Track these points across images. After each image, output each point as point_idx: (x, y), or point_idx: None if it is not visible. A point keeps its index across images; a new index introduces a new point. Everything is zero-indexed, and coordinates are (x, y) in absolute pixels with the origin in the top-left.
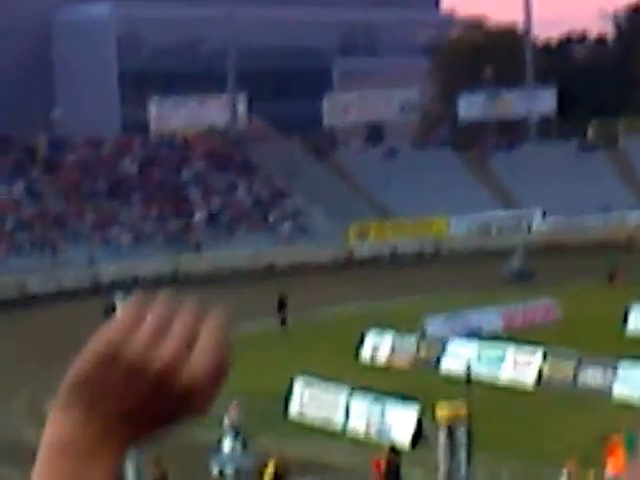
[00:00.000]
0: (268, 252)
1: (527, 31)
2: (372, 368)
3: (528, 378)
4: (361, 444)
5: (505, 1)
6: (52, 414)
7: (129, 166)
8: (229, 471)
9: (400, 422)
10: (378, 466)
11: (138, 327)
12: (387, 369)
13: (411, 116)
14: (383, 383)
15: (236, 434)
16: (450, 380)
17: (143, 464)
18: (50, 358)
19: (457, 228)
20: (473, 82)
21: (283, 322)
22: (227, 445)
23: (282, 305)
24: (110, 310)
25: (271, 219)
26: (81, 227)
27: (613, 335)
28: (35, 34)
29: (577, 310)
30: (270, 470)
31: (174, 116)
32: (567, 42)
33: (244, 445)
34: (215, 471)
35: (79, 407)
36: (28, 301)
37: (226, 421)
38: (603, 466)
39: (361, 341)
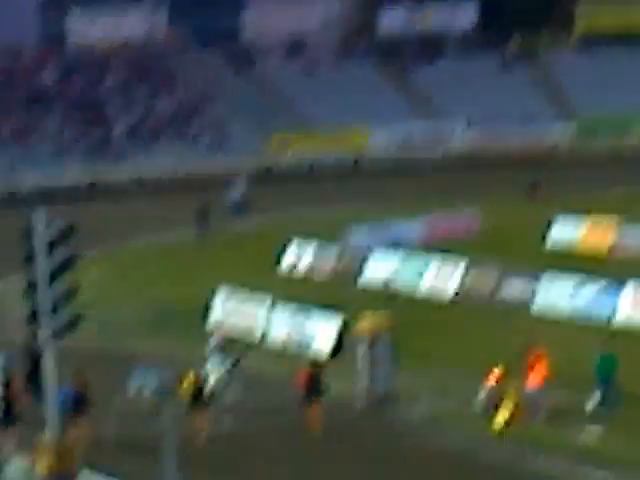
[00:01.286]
0: (188, 163)
1: None
2: (293, 278)
3: (449, 290)
4: (282, 355)
5: None
6: None
7: (48, 77)
8: (148, 387)
9: (321, 333)
10: (300, 377)
11: None
12: (308, 279)
13: (332, 29)
14: (304, 293)
15: (224, 357)
16: (371, 291)
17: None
18: None
19: (379, 140)
20: None
21: (203, 233)
22: (213, 367)
23: (204, 216)
24: (29, 229)
25: (191, 130)
26: (0, 137)
27: (534, 248)
28: None
29: (499, 222)
30: (189, 383)
31: (93, 28)
32: None
33: (234, 365)
34: (134, 389)
35: None
36: None
37: (212, 343)
38: (524, 379)
39: (282, 251)
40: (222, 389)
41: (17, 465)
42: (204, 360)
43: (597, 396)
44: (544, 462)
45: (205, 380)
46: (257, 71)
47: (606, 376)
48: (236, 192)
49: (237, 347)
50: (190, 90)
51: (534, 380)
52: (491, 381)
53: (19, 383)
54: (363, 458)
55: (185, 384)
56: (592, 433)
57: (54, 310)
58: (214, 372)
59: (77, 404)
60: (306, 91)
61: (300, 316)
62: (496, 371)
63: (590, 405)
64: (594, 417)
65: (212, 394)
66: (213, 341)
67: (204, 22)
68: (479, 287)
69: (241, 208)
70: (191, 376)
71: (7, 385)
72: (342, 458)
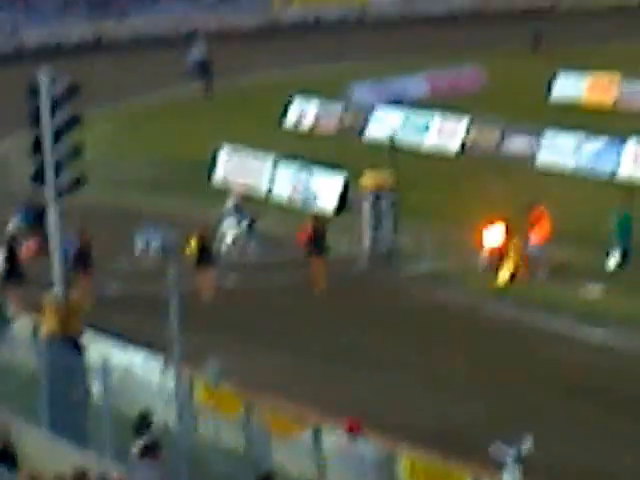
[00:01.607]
0: (191, 18)
1: None
2: (297, 134)
3: (453, 145)
4: (286, 211)
5: None
6: None
7: None
8: (154, 244)
9: (326, 189)
10: (303, 233)
11: None
12: (312, 135)
13: None
14: (308, 149)
15: (240, 216)
16: (375, 147)
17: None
18: None
19: None
20: None
21: (208, 88)
22: (229, 227)
23: (206, 71)
24: (34, 86)
25: None
26: None
27: (537, 103)
28: None
29: (502, 77)
30: (195, 240)
31: None
32: None
33: (250, 227)
34: (140, 246)
35: None
36: None
37: (228, 205)
38: (526, 235)
39: (286, 107)
40: (240, 248)
41: (23, 324)
42: (214, 219)
43: (617, 254)
44: (545, 318)
45: (220, 239)
46: None
47: (625, 234)
48: (196, 53)
49: (252, 207)
50: None
51: (536, 237)
52: (493, 237)
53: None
54: (365, 313)
55: (191, 241)
56: (594, 291)
57: (59, 168)
58: (230, 232)
59: (81, 262)
60: None
61: (304, 173)
62: (498, 227)
63: (611, 263)
64: (599, 275)
65: (218, 252)
66: (230, 202)
67: None
68: (482, 143)
69: (202, 69)
70: (197, 233)
71: (11, 245)
72: (345, 313)
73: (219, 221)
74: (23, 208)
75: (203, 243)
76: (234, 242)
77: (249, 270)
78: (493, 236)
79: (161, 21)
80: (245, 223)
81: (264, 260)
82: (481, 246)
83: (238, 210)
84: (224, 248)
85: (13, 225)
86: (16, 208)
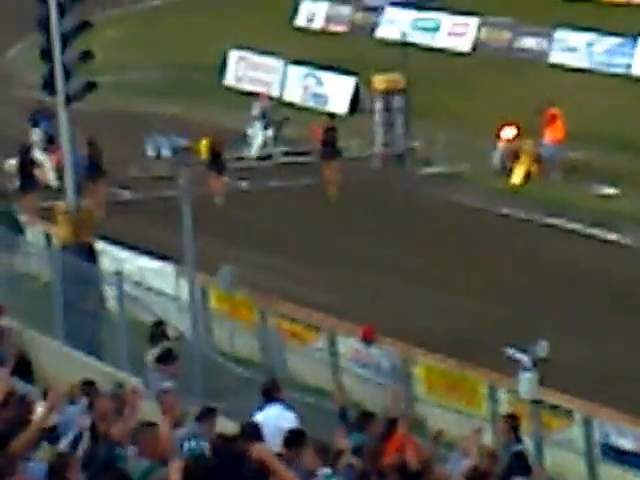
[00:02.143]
0: None
1: None
2: (307, 34)
3: (464, 44)
4: (298, 111)
5: None
6: None
7: None
8: (165, 150)
9: (337, 90)
10: (315, 133)
11: None
12: (322, 35)
13: None
14: (319, 51)
15: (266, 124)
16: (386, 46)
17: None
18: None
19: None
20: None
21: None
22: (255, 134)
23: None
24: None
25: None
26: None
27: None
28: None
29: None
30: (206, 145)
31: None
32: None
33: (277, 131)
34: (151, 152)
35: None
36: None
37: (254, 111)
38: (539, 136)
39: (296, 8)
40: (269, 151)
41: (36, 232)
42: (227, 122)
43: None
44: (558, 219)
45: (248, 144)
46: None
47: None
48: None
49: (278, 113)
50: None
51: (550, 138)
52: (507, 137)
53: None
54: (379, 215)
55: (202, 146)
56: (608, 193)
57: (68, 74)
58: (257, 137)
59: (91, 170)
60: None
61: (315, 74)
62: (512, 127)
63: None
64: (613, 175)
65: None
66: (256, 107)
67: None
68: (494, 41)
69: None
70: (208, 137)
71: (23, 154)
72: (358, 216)
73: (246, 126)
74: (43, 117)
75: (214, 147)
76: (262, 147)
77: (260, 173)
78: (506, 136)
79: None
80: (272, 128)
81: (276, 162)
82: (494, 146)
83: (263, 116)
84: (253, 153)
85: (37, 135)
86: (34, 117)
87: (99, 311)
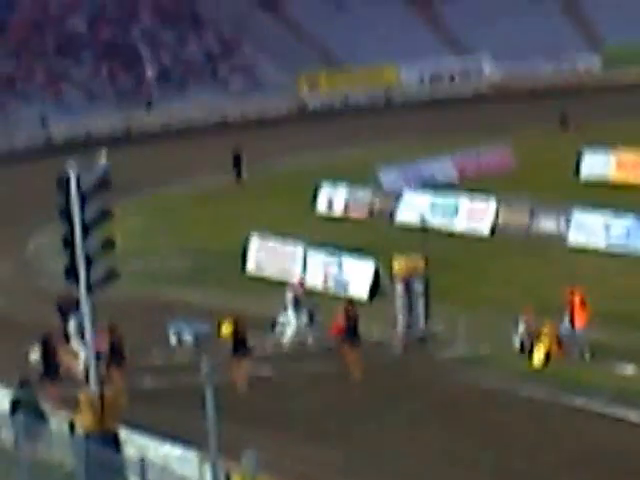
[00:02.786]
0: (220, 106)
1: None
2: (328, 221)
3: (483, 227)
4: (319, 298)
5: None
6: None
7: (78, 23)
8: (187, 337)
9: (357, 275)
10: (337, 321)
11: None
12: (343, 221)
13: None
14: (339, 236)
15: (297, 308)
16: (406, 231)
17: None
18: (4, 218)
19: (408, 76)
20: None
21: (239, 176)
22: (289, 318)
23: (237, 160)
24: (63, 180)
25: (222, 72)
26: (32, 85)
27: (566, 181)
28: None
29: (530, 156)
30: (228, 329)
31: None
32: None
33: (310, 319)
34: (173, 340)
35: None
36: None
37: (289, 295)
38: (560, 314)
39: (315, 194)
40: (302, 338)
41: (59, 420)
42: (248, 309)
43: None
44: (580, 400)
45: (280, 332)
46: (285, 9)
47: None
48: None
49: (310, 300)
50: (218, 32)
51: (576, 322)
52: (527, 319)
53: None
54: (401, 400)
55: (224, 330)
56: (629, 372)
57: (90, 262)
58: (290, 324)
59: (113, 358)
60: (333, 28)
61: (336, 259)
62: (531, 309)
63: None
64: (634, 354)
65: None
66: (289, 293)
67: None
68: (512, 223)
69: (234, 158)
70: (230, 320)
71: (46, 342)
72: (380, 401)
73: (279, 313)
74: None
75: (237, 331)
76: (295, 334)
77: (283, 359)
78: (526, 317)
79: (189, 109)
80: (305, 316)
81: (298, 349)
82: (515, 328)
83: (297, 302)
84: (285, 340)
85: (72, 325)
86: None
87: None
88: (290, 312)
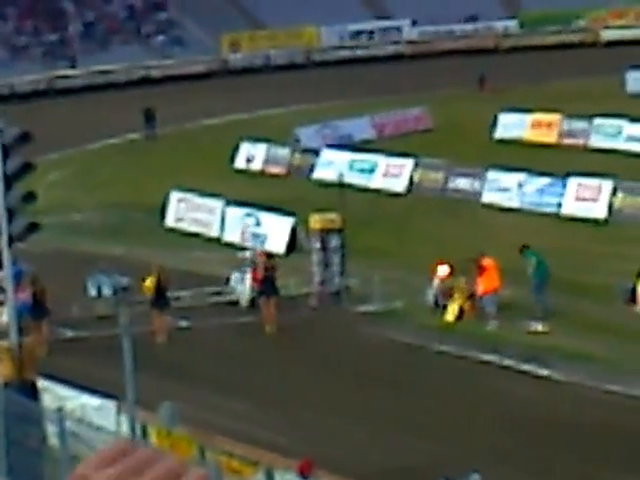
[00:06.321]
0: (142, 64)
1: None
2: (246, 178)
3: (400, 185)
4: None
5: None
6: None
7: None
8: (106, 290)
9: (275, 231)
10: (254, 275)
11: (114, 464)
12: (261, 179)
13: None
14: (258, 192)
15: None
16: (323, 187)
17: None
18: None
19: (328, 37)
20: None
21: (150, 133)
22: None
23: (149, 117)
24: None
25: (145, 30)
26: None
27: (482, 142)
28: None
29: (447, 116)
30: (151, 283)
31: None
32: None
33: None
34: (93, 292)
35: None
36: None
37: (247, 254)
38: (473, 276)
39: (234, 151)
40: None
41: None
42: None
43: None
44: (491, 356)
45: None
46: None
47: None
48: None
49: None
50: None
51: (484, 288)
52: (440, 276)
53: None
54: (315, 352)
55: (147, 283)
56: (537, 329)
57: (11, 215)
58: (239, 283)
59: (34, 309)
60: None
61: (254, 216)
62: (445, 266)
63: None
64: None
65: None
66: (247, 254)
67: None
68: (429, 182)
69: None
70: (153, 274)
71: None
72: (295, 353)
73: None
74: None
75: (159, 283)
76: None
77: (201, 311)
78: (439, 274)
79: (111, 66)
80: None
81: (215, 301)
82: (429, 284)
83: (249, 264)
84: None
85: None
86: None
87: (41, 448)
88: (236, 275)
